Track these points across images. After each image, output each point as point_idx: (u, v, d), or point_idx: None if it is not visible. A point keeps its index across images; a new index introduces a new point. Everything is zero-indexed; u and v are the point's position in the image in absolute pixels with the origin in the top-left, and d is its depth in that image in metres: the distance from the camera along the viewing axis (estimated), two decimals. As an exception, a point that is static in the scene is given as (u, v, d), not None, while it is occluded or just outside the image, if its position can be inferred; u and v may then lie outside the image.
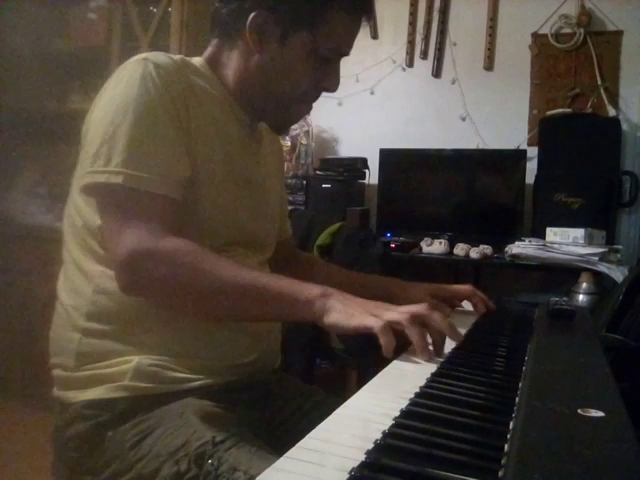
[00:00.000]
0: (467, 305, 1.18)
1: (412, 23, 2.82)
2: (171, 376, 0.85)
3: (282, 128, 1.07)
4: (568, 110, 2.47)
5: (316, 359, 2.33)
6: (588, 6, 2.51)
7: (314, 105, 1.01)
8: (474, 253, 2.29)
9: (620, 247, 2.17)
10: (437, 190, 2.66)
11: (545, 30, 2.58)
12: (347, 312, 0.77)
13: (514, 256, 2.22)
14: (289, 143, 2.70)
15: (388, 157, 2.68)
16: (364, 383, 0.67)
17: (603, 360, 0.71)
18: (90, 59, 2.77)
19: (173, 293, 0.84)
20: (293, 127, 2.44)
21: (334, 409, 0.58)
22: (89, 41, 2.77)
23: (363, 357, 2.06)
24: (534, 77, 2.62)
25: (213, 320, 0.89)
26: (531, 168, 2.45)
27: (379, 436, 0.50)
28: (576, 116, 2.44)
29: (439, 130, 2.76)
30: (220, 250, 0.92)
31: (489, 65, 2.70)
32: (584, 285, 2.04)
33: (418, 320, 0.76)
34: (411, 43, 2.83)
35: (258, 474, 0.43)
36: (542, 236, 2.22)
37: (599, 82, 2.48)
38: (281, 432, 0.96)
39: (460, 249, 2.33)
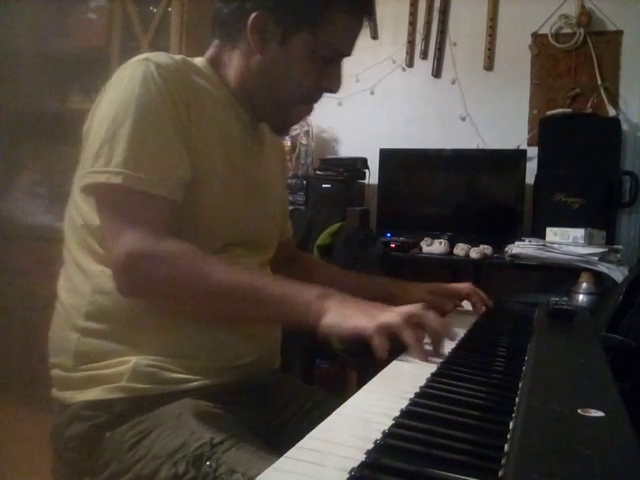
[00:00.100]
0: (467, 305, 1.18)
1: (412, 23, 2.82)
2: (169, 377, 0.85)
3: (283, 129, 1.06)
4: (568, 110, 2.47)
5: (316, 359, 2.33)
6: (588, 6, 2.51)
7: (314, 105, 1.01)
8: (474, 253, 2.29)
9: (620, 247, 2.17)
10: (437, 190, 2.66)
11: (545, 30, 2.58)
12: (343, 314, 0.78)
13: (514, 256, 2.22)
14: (289, 143, 2.70)
15: (388, 157, 2.68)
16: (364, 383, 0.67)
17: (603, 360, 0.71)
18: (90, 59, 2.76)
19: (170, 295, 0.84)
20: (293, 127, 2.44)
21: (334, 409, 0.58)
22: (89, 41, 2.77)
23: (363, 357, 2.05)
24: (534, 77, 2.62)
25: (210, 321, 0.90)
26: (531, 168, 2.45)
27: (379, 436, 0.50)
28: (576, 116, 2.44)
29: (439, 130, 2.76)
30: (221, 250, 0.92)
31: (489, 65, 2.70)
32: (584, 285, 2.04)
33: (412, 321, 0.76)
34: (411, 43, 2.83)
35: (257, 475, 0.43)
36: (542, 236, 2.22)
37: (599, 82, 2.48)
38: (281, 433, 0.96)
39: (460, 249, 2.33)
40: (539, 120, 2.50)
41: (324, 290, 0.81)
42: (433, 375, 0.69)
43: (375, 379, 0.70)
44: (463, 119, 2.73)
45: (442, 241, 2.38)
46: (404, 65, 2.85)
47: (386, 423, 0.53)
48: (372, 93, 2.89)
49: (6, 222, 2.71)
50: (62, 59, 2.82)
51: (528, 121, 2.62)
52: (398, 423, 0.53)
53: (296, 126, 2.60)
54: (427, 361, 0.75)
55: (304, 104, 0.98)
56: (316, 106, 1.02)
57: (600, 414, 0.50)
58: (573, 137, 2.38)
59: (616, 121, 2.39)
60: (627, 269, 2.02)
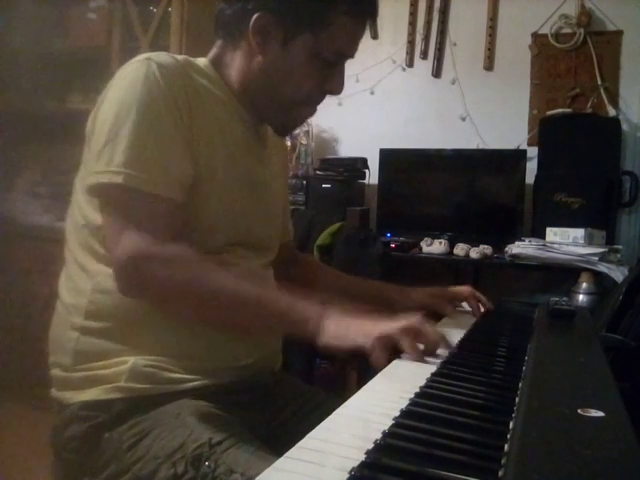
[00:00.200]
0: (466, 305, 1.18)
1: (412, 23, 2.82)
2: (167, 377, 0.85)
3: (285, 130, 1.05)
4: (568, 110, 2.47)
5: (316, 359, 2.33)
6: (588, 6, 2.51)
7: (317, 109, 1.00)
8: (474, 253, 2.29)
9: (620, 247, 2.17)
10: (437, 190, 2.66)
11: (545, 30, 2.58)
12: (342, 332, 0.79)
13: (514, 256, 2.21)
14: (289, 143, 2.69)
15: (388, 157, 2.68)
16: (364, 383, 0.68)
17: (603, 360, 0.71)
18: (90, 59, 2.76)
19: (170, 297, 0.85)
20: (293, 127, 2.44)
21: (334, 409, 0.58)
22: (89, 41, 2.77)
23: (363, 357, 2.05)
24: (534, 77, 2.62)
25: (209, 325, 0.90)
26: (531, 168, 2.45)
27: (379, 436, 0.50)
28: (576, 116, 2.44)
29: (439, 130, 2.76)
30: (222, 251, 0.92)
31: (489, 65, 2.70)
32: (584, 285, 2.04)
33: (410, 333, 0.77)
34: (411, 43, 2.83)
35: (256, 475, 0.43)
36: (542, 236, 2.22)
37: (599, 82, 2.48)
38: (281, 433, 0.95)
39: (460, 249, 2.33)
40: (539, 120, 2.50)
41: (323, 309, 0.82)
42: (433, 375, 0.69)
43: (375, 379, 0.70)
44: (463, 119, 2.73)
45: (442, 241, 2.38)
46: (404, 65, 2.85)
47: (386, 423, 0.53)
48: (372, 93, 2.89)
49: (6, 222, 2.71)
50: (62, 59, 2.81)
51: (528, 121, 2.62)
52: (398, 423, 0.53)
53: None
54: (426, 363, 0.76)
55: (306, 106, 0.98)
56: (316, 106, 1.02)
57: (600, 414, 0.50)
58: (573, 137, 2.38)
59: (616, 121, 2.39)
60: (627, 269, 2.02)
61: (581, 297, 2.03)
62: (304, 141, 2.76)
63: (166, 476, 0.75)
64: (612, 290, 1.67)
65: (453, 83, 2.76)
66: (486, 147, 2.67)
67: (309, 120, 2.74)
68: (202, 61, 0.97)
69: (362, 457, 0.46)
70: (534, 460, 0.41)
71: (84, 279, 0.90)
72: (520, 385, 0.63)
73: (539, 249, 2.17)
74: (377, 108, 2.89)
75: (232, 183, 0.93)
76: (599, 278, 2.05)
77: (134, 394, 0.84)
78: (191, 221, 0.88)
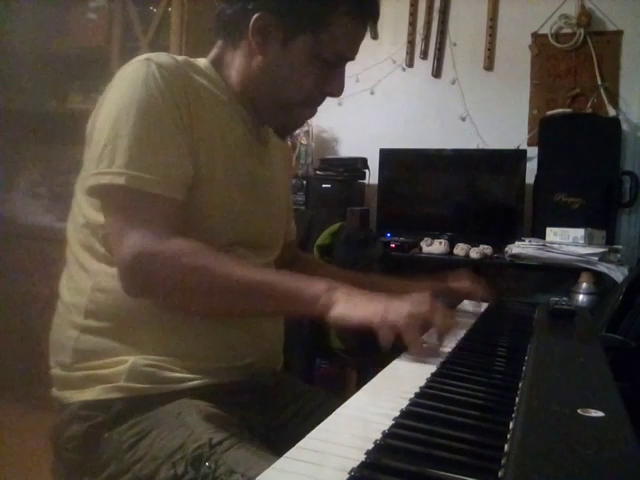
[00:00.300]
0: (467, 306, 1.18)
1: (412, 23, 2.82)
2: (167, 376, 0.85)
3: (285, 131, 1.05)
4: (568, 110, 2.47)
5: (316, 359, 2.33)
6: (588, 6, 2.51)
7: (318, 110, 1.00)
8: (474, 253, 2.29)
9: (620, 247, 2.17)
10: (437, 190, 2.66)
11: (545, 30, 2.58)
12: (351, 306, 0.79)
13: (514, 256, 2.21)
14: (289, 143, 2.70)
15: (388, 157, 2.68)
16: (364, 383, 0.67)
17: (603, 360, 0.71)
18: (90, 59, 2.76)
19: (178, 293, 0.85)
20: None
21: (334, 409, 0.58)
22: (89, 41, 2.77)
23: (363, 357, 2.06)
24: (534, 77, 2.62)
25: (218, 317, 0.90)
26: (531, 168, 2.45)
27: (379, 436, 0.50)
28: (576, 116, 2.44)
29: (439, 130, 2.76)
30: (222, 250, 0.92)
31: (489, 65, 2.70)
32: (584, 285, 2.04)
33: (418, 320, 0.77)
34: (411, 43, 2.83)
35: (256, 475, 0.43)
36: (542, 236, 2.22)
37: (599, 82, 2.48)
38: (282, 434, 0.95)
39: (460, 249, 2.33)
40: (539, 120, 2.49)
41: (331, 283, 0.83)
42: (433, 375, 0.69)
43: (375, 379, 0.70)
44: (463, 119, 2.73)
45: (442, 241, 2.38)
46: (404, 65, 2.85)
47: (386, 423, 0.53)
48: (372, 93, 2.89)
49: (6, 222, 2.71)
50: (62, 59, 2.81)
51: (528, 121, 2.62)
52: (398, 423, 0.53)
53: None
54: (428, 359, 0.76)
55: (306, 107, 0.97)
56: (316, 107, 1.02)
57: (600, 414, 0.50)
58: (573, 137, 2.38)
59: (616, 121, 2.39)
60: (627, 269, 2.02)
61: (581, 297, 2.03)
62: (304, 141, 2.76)
63: (166, 477, 0.75)
64: (612, 290, 1.67)
65: (453, 83, 2.76)
66: (486, 147, 2.67)
67: (309, 120, 2.76)
68: (202, 61, 0.97)
69: (362, 457, 0.46)
70: (534, 460, 0.41)
71: (84, 278, 0.90)
72: (520, 385, 0.63)
73: (539, 249, 2.17)
74: (377, 108, 2.89)
75: (232, 183, 0.93)
76: (599, 278, 2.05)
77: (134, 394, 0.84)
78: (191, 221, 0.88)
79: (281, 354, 1.06)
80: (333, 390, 1.07)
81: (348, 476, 0.43)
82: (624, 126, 2.42)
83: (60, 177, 2.76)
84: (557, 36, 2.57)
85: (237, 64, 0.95)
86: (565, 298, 1.07)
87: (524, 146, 2.57)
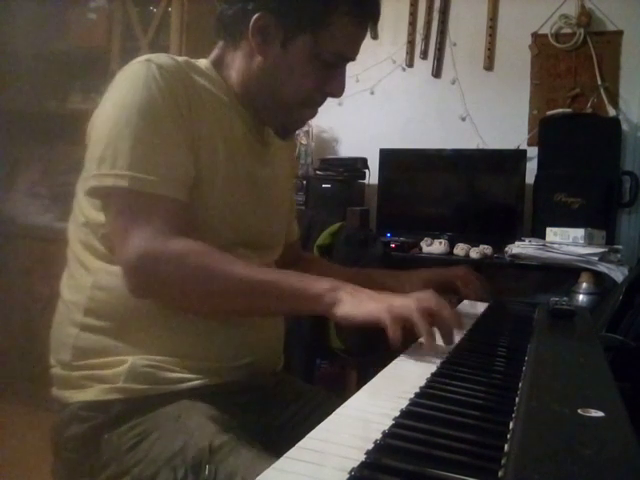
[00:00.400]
0: (467, 306, 1.18)
1: (412, 23, 2.82)
2: (166, 377, 0.85)
3: (286, 132, 1.03)
4: (568, 110, 2.47)
5: (316, 359, 2.33)
6: (588, 6, 2.51)
7: (318, 110, 1.00)
8: (474, 253, 2.29)
9: (620, 247, 2.17)
10: (437, 190, 2.66)
11: (545, 30, 2.58)
12: (356, 304, 0.79)
13: (514, 256, 2.21)
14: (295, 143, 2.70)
15: (388, 157, 2.68)
16: (364, 383, 0.67)
17: (603, 360, 0.71)
18: (90, 59, 2.77)
19: (182, 293, 0.85)
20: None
21: (334, 409, 0.58)
22: (89, 41, 2.77)
23: (363, 357, 2.06)
24: (534, 77, 2.62)
25: (222, 316, 0.90)
26: (531, 168, 2.45)
27: (379, 436, 0.50)
28: (576, 116, 2.44)
29: (439, 130, 2.76)
30: (223, 250, 0.92)
31: (489, 65, 2.70)
32: (584, 285, 2.04)
33: (427, 314, 0.77)
34: (411, 43, 2.83)
35: (255, 476, 0.43)
36: (542, 236, 2.22)
37: (599, 82, 2.48)
38: (282, 433, 0.95)
39: (460, 249, 2.33)
40: (539, 120, 2.49)
41: (336, 282, 0.83)
42: (433, 375, 0.69)
43: (375, 379, 0.70)
44: (463, 119, 2.73)
45: (442, 241, 2.38)
46: (404, 65, 2.85)
47: (386, 423, 0.53)
48: (372, 93, 2.89)
49: (6, 222, 2.71)
50: (62, 59, 2.81)
51: (528, 121, 2.62)
52: (398, 423, 0.53)
53: (296, 126, 2.60)
54: (437, 355, 0.76)
55: (306, 107, 0.97)
56: (316, 107, 1.01)
57: (600, 414, 0.50)
58: (573, 137, 2.38)
59: (616, 121, 2.39)
60: (627, 269, 2.02)
61: (581, 297, 2.03)
62: (304, 141, 2.76)
63: (167, 479, 0.75)
64: (612, 290, 1.67)
65: (453, 83, 2.76)
66: (486, 147, 2.67)
67: (309, 120, 2.75)
68: (203, 62, 0.97)
69: (362, 457, 0.46)
70: (534, 460, 0.41)
71: (84, 276, 0.90)
72: (520, 385, 0.63)
73: (539, 249, 2.17)
74: (377, 108, 2.89)
75: (233, 183, 0.93)
76: (599, 278, 2.05)
77: (133, 395, 0.84)
78: (192, 221, 0.88)
79: (281, 354, 1.06)
80: (333, 390, 1.07)
81: (348, 476, 0.43)
82: (624, 126, 2.42)
83: (60, 177, 2.76)
84: (557, 36, 2.57)
85: (237, 64, 0.95)
86: (565, 298, 1.07)
87: (524, 146, 2.57)
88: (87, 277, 0.89)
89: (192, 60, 0.95)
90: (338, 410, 0.58)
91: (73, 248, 0.93)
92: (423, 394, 0.62)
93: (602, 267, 2.05)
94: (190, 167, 0.87)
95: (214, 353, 0.89)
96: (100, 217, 0.87)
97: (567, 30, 2.55)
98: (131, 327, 0.87)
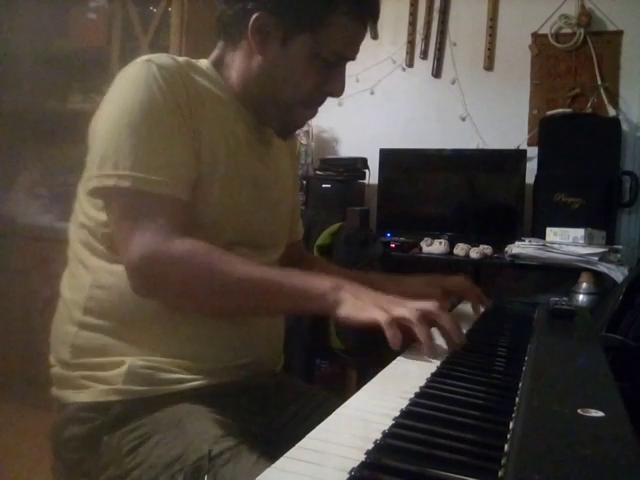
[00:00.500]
0: (467, 308, 1.18)
1: (412, 23, 2.82)
2: (165, 378, 0.85)
3: (285, 132, 1.03)
4: (568, 110, 2.47)
5: (316, 359, 2.33)
6: (588, 6, 2.51)
7: (319, 110, 1.00)
8: (474, 253, 2.29)
9: (620, 247, 2.17)
10: (437, 190, 2.66)
11: (545, 30, 2.58)
12: (358, 305, 0.79)
13: (514, 256, 2.21)
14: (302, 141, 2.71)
15: (388, 157, 2.68)
16: (364, 383, 0.67)
17: (603, 360, 0.71)
18: (90, 59, 2.76)
19: (186, 293, 0.85)
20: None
21: (334, 409, 0.58)
22: (89, 41, 2.77)
23: (363, 357, 2.06)
24: (534, 77, 2.62)
25: (225, 316, 0.90)
26: (531, 168, 2.45)
27: (379, 436, 0.50)
28: (576, 116, 2.44)
29: (439, 130, 2.76)
30: (224, 249, 0.92)
31: (489, 65, 2.70)
32: (584, 285, 2.04)
33: (427, 318, 0.77)
34: (411, 43, 2.83)
35: (256, 476, 0.43)
36: (542, 236, 2.22)
37: (599, 82, 2.48)
38: (282, 434, 0.95)
39: (460, 249, 2.33)
40: (539, 120, 2.50)
41: (338, 281, 0.83)
42: (433, 375, 0.69)
43: (375, 379, 0.70)
44: (463, 119, 2.73)
45: (442, 241, 2.38)
46: (404, 65, 2.85)
47: (386, 423, 0.53)
48: (372, 93, 2.89)
49: (6, 222, 2.71)
50: (62, 59, 2.81)
51: (528, 121, 2.62)
52: (398, 423, 0.53)
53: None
54: (435, 358, 0.76)
55: (306, 107, 0.97)
56: (316, 106, 1.01)
57: (600, 414, 0.50)
58: (573, 137, 2.38)
59: (616, 121, 2.39)
60: (627, 269, 2.02)
61: (581, 297, 2.03)
62: (304, 141, 2.76)
63: None
64: (612, 290, 1.67)
65: (453, 83, 2.76)
66: (486, 147, 2.67)
67: (309, 120, 2.75)
68: (203, 62, 0.97)
69: (362, 457, 0.46)
70: (534, 460, 0.41)
71: (84, 275, 0.90)
72: (520, 385, 0.63)
73: (539, 249, 2.17)
74: (377, 108, 2.89)
75: (234, 183, 0.93)
76: (599, 278, 2.05)
77: (132, 397, 0.83)
78: (193, 220, 0.88)
79: (281, 354, 1.06)
80: (333, 390, 1.07)
81: (348, 476, 0.43)
82: (624, 126, 2.42)
83: (60, 177, 2.76)
84: (557, 36, 2.57)
85: (237, 64, 0.95)
86: (565, 298, 1.07)
87: (524, 146, 2.57)
88: (87, 276, 0.90)
89: (192, 60, 0.95)
90: (338, 410, 0.58)
91: (73, 247, 0.93)
92: (423, 394, 0.62)
93: (602, 267, 2.05)
94: (192, 166, 0.87)
95: (213, 353, 0.89)
96: (101, 217, 0.87)
97: (567, 30, 2.55)
98: (130, 326, 0.87)
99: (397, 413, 0.55)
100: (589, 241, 2.12)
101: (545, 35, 2.58)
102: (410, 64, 2.85)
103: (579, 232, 2.12)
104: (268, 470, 0.44)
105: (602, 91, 2.47)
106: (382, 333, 0.76)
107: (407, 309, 0.77)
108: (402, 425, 0.53)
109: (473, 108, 2.72)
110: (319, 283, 0.83)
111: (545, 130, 2.45)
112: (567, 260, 2.11)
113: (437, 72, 2.79)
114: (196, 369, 0.87)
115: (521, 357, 0.76)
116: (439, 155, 2.64)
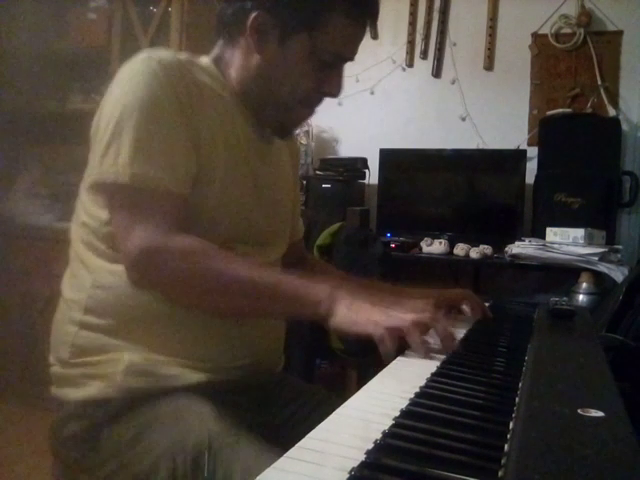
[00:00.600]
0: (468, 310, 1.17)
1: (412, 23, 2.82)
2: (164, 373, 0.85)
3: (284, 132, 1.02)
4: (568, 110, 2.47)
5: (316, 359, 2.33)
6: (588, 6, 2.51)
7: (317, 110, 1.00)
8: (474, 253, 2.29)
9: (620, 247, 2.17)
10: (437, 190, 2.66)
11: (545, 30, 2.58)
12: (350, 317, 0.79)
13: (514, 256, 2.21)
14: (303, 142, 2.71)
15: (388, 157, 2.68)
16: (364, 383, 0.67)
17: (603, 360, 0.71)
18: (90, 59, 2.77)
19: (182, 290, 0.86)
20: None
21: (335, 409, 0.58)
22: (89, 41, 2.77)
23: (363, 357, 2.06)
24: (534, 77, 2.62)
25: (221, 314, 0.90)
26: (531, 168, 2.45)
27: (379, 436, 0.50)
28: (576, 116, 2.44)
29: (439, 130, 2.76)
30: (222, 247, 0.92)
31: (489, 65, 2.70)
32: (584, 285, 2.04)
33: (420, 327, 0.77)
34: (411, 43, 2.83)
35: (255, 474, 0.43)
36: (542, 236, 2.22)
37: (599, 82, 2.48)
38: (281, 434, 0.95)
39: (460, 249, 2.33)
40: (539, 120, 2.50)
41: (334, 290, 0.83)
42: (433, 375, 0.69)
43: (375, 379, 0.70)
44: (463, 119, 2.73)
45: (442, 241, 2.38)
46: (404, 65, 2.85)
47: (386, 423, 0.53)
48: (372, 93, 2.89)
49: (6, 222, 2.71)
50: (62, 59, 2.82)
51: (528, 121, 2.62)
52: (398, 423, 0.53)
53: (296, 126, 2.60)
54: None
55: (304, 107, 0.97)
56: (316, 106, 1.01)
57: (600, 414, 0.50)
58: (573, 137, 2.38)
59: (616, 121, 2.39)
60: (627, 269, 2.02)
61: (581, 297, 2.03)
62: (304, 141, 2.76)
63: (166, 474, 0.75)
64: (612, 290, 1.67)
65: (453, 83, 2.76)
66: (486, 147, 2.67)
67: (309, 120, 2.76)
68: (204, 60, 0.97)
69: (362, 457, 0.46)
70: (534, 460, 0.41)
71: (85, 275, 0.90)
72: (520, 385, 0.63)
73: (539, 249, 2.17)
74: (377, 108, 2.89)
75: (234, 180, 0.93)
76: (599, 278, 2.05)
77: (131, 391, 0.84)
78: (191, 216, 0.88)
79: (282, 355, 1.06)
80: (333, 390, 1.07)
81: (348, 476, 0.43)
82: (624, 126, 2.42)
83: (60, 177, 2.76)
84: (557, 36, 2.57)
85: (236, 63, 0.95)
86: (565, 298, 1.07)
87: (524, 146, 2.57)
88: (88, 276, 0.90)
89: (193, 57, 0.96)
90: (338, 410, 0.58)
91: (75, 247, 0.93)
92: (423, 394, 0.62)
93: (602, 267, 2.05)
94: (192, 162, 0.87)
95: (214, 353, 0.89)
96: (103, 215, 0.88)
97: (567, 30, 2.55)
98: (130, 326, 0.87)
99: (397, 413, 0.55)
100: (589, 241, 2.12)
101: (545, 35, 2.58)
102: (410, 64, 2.85)
103: (579, 232, 2.12)
104: (268, 470, 0.44)
105: (602, 91, 2.47)
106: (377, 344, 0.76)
107: (400, 319, 0.78)
108: (402, 425, 0.53)
109: (473, 108, 2.72)
110: (315, 290, 0.83)
111: (545, 130, 2.45)
112: (567, 260, 2.11)
113: (437, 72, 2.79)
114: (196, 368, 0.87)
115: (521, 357, 0.76)
116: (439, 155, 2.64)
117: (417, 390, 0.63)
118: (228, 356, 0.91)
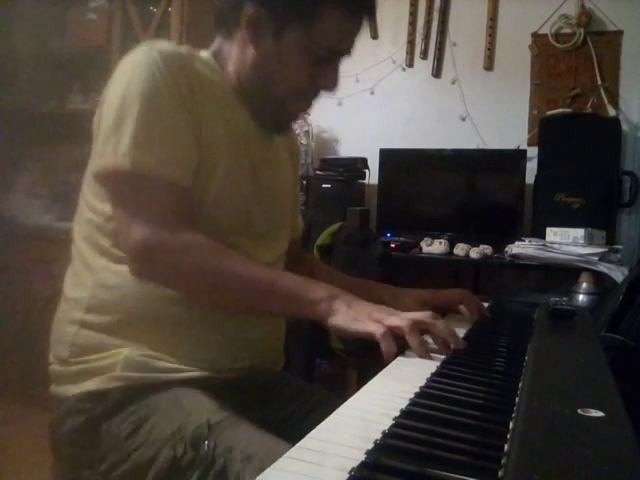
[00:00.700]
0: (465, 311, 1.17)
1: (412, 23, 2.82)
2: (162, 366, 0.85)
3: (280, 126, 1.03)
4: (568, 110, 2.47)
5: (316, 359, 2.33)
6: (588, 6, 2.51)
7: (314, 105, 1.00)
8: (474, 253, 2.29)
9: (620, 247, 2.17)
10: (437, 190, 2.66)
11: (545, 30, 2.58)
12: (350, 316, 0.79)
13: (514, 256, 2.21)
14: (303, 142, 2.71)
15: (388, 157, 2.68)
16: (364, 383, 0.67)
17: (603, 360, 0.71)
18: (90, 59, 2.76)
19: (182, 284, 0.86)
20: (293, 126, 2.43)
21: (335, 409, 0.58)
22: (89, 41, 2.77)
23: (363, 357, 2.05)
24: (534, 77, 2.62)
25: (221, 309, 0.90)
26: (531, 168, 2.45)
27: (379, 436, 0.50)
28: (576, 116, 2.44)
29: (439, 130, 2.76)
30: (223, 239, 0.91)
31: (489, 65, 2.70)
32: (584, 285, 2.04)
33: (420, 327, 0.77)
34: (411, 43, 2.83)
35: (255, 453, 0.44)
36: (542, 236, 2.22)
37: (599, 82, 2.48)
38: (281, 433, 0.95)
39: (460, 249, 2.33)
40: (539, 120, 2.50)
41: (333, 290, 0.83)
42: (433, 375, 0.69)
43: (375, 379, 0.70)
44: (463, 119, 2.73)
45: (442, 241, 2.38)
46: (404, 65, 2.85)
47: (386, 423, 0.53)
48: (372, 93, 2.89)
49: (6, 222, 2.71)
50: (62, 59, 2.82)
51: (528, 121, 2.62)
52: (398, 423, 0.53)
53: (295, 126, 2.60)
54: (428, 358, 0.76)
55: (300, 100, 0.97)
56: (316, 106, 1.01)
57: (600, 414, 0.50)
58: (573, 137, 2.38)
59: (616, 121, 2.39)
60: (627, 269, 2.02)
61: (581, 297, 2.03)
62: (304, 141, 2.76)
63: (166, 459, 0.75)
64: (612, 290, 1.67)
65: (453, 83, 2.76)
66: (486, 147, 2.67)
67: (309, 120, 2.76)
68: (204, 53, 0.98)
69: (362, 457, 0.46)
70: (534, 460, 0.41)
71: (87, 273, 0.90)
72: (520, 385, 0.63)
73: (539, 249, 2.17)
74: (377, 108, 2.89)
75: (234, 171, 0.93)
76: (599, 278, 2.05)
77: (130, 383, 0.84)
78: (193, 207, 0.88)
79: (282, 356, 1.06)
80: (333, 390, 1.07)
81: (348, 476, 0.43)
82: (624, 126, 2.42)
83: (60, 177, 2.76)
84: (557, 36, 2.57)
85: (233, 57, 0.95)
86: (565, 298, 1.07)
87: (524, 146, 2.57)
88: (90, 275, 0.90)
89: (194, 50, 0.96)
90: (338, 410, 0.58)
91: (77, 246, 0.93)
92: (423, 394, 0.62)
93: (602, 267, 2.05)
94: (193, 152, 0.87)
95: (215, 354, 0.89)
96: (107, 208, 0.88)
97: (567, 30, 2.55)
98: (131, 325, 0.87)
99: (397, 413, 0.55)
100: (589, 241, 2.12)
101: (545, 35, 2.58)
102: (410, 64, 2.85)
103: (579, 232, 2.12)
104: (268, 470, 0.44)
105: (602, 91, 2.47)
106: (376, 343, 0.76)
107: (400, 319, 0.77)
108: (402, 425, 0.52)
109: (473, 108, 2.72)
110: (314, 290, 0.83)
111: (545, 130, 2.45)
112: (567, 260, 2.11)
113: (437, 72, 2.79)
114: (196, 367, 0.87)
115: (521, 357, 0.76)
116: (439, 155, 2.64)
117: (417, 390, 0.63)
118: (229, 357, 0.91)
